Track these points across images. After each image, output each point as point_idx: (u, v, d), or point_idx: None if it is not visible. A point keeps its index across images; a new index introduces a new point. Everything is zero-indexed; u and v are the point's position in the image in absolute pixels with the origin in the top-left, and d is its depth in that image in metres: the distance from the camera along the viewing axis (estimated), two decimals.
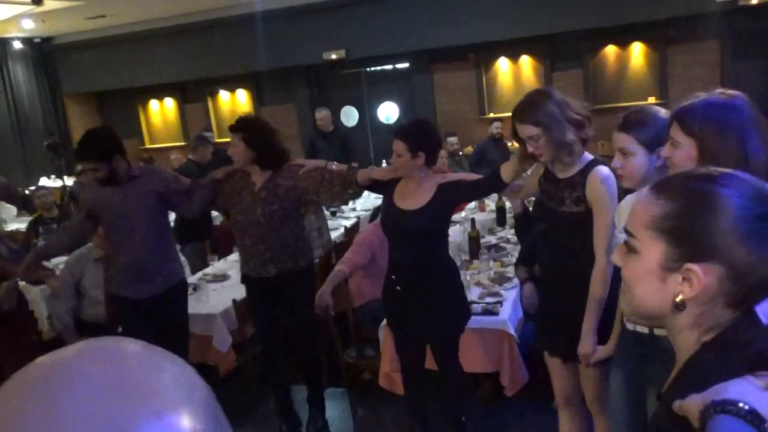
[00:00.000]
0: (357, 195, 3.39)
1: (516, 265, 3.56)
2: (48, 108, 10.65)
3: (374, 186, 3.09)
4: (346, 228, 5.79)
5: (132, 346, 0.48)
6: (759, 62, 8.09)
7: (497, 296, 3.52)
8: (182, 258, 4.87)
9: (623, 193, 2.27)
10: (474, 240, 4.27)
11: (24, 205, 7.77)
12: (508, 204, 4.82)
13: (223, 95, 10.79)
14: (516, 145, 2.62)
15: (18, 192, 8.32)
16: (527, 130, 2.37)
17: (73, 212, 5.32)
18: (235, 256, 4.70)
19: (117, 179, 3.24)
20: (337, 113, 9.48)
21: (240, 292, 3.68)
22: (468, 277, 3.66)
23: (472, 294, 3.52)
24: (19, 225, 6.95)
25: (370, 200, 6.24)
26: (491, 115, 8.97)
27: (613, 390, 2.19)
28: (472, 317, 3.08)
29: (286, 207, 3.24)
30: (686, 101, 1.68)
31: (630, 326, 2.07)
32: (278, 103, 10.25)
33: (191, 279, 4.53)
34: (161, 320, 3.36)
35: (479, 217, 4.98)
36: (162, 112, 11.35)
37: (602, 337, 2.35)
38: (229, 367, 3.91)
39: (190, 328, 3.64)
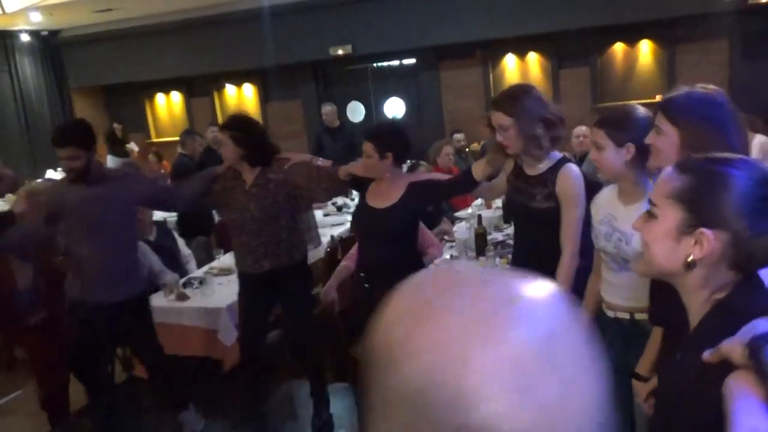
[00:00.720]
0: (343, 191, 3.41)
1: None
2: (55, 101, 10.65)
3: (355, 183, 3.16)
4: (351, 224, 5.77)
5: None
6: None
7: None
8: (188, 252, 4.89)
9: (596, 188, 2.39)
10: (480, 237, 4.27)
11: None
12: None
13: (230, 90, 10.78)
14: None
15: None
16: (499, 118, 2.48)
17: None
18: None
19: (89, 175, 3.18)
20: (343, 109, 9.48)
21: None
22: None
23: None
24: None
25: None
26: None
27: None
28: None
29: (278, 200, 3.28)
30: (672, 93, 1.78)
31: (611, 314, 2.19)
32: (284, 98, 10.23)
33: (197, 273, 4.53)
34: (121, 329, 3.34)
35: (486, 214, 4.98)
36: (168, 106, 11.35)
37: None
38: (235, 361, 3.91)
39: (196, 322, 3.63)
